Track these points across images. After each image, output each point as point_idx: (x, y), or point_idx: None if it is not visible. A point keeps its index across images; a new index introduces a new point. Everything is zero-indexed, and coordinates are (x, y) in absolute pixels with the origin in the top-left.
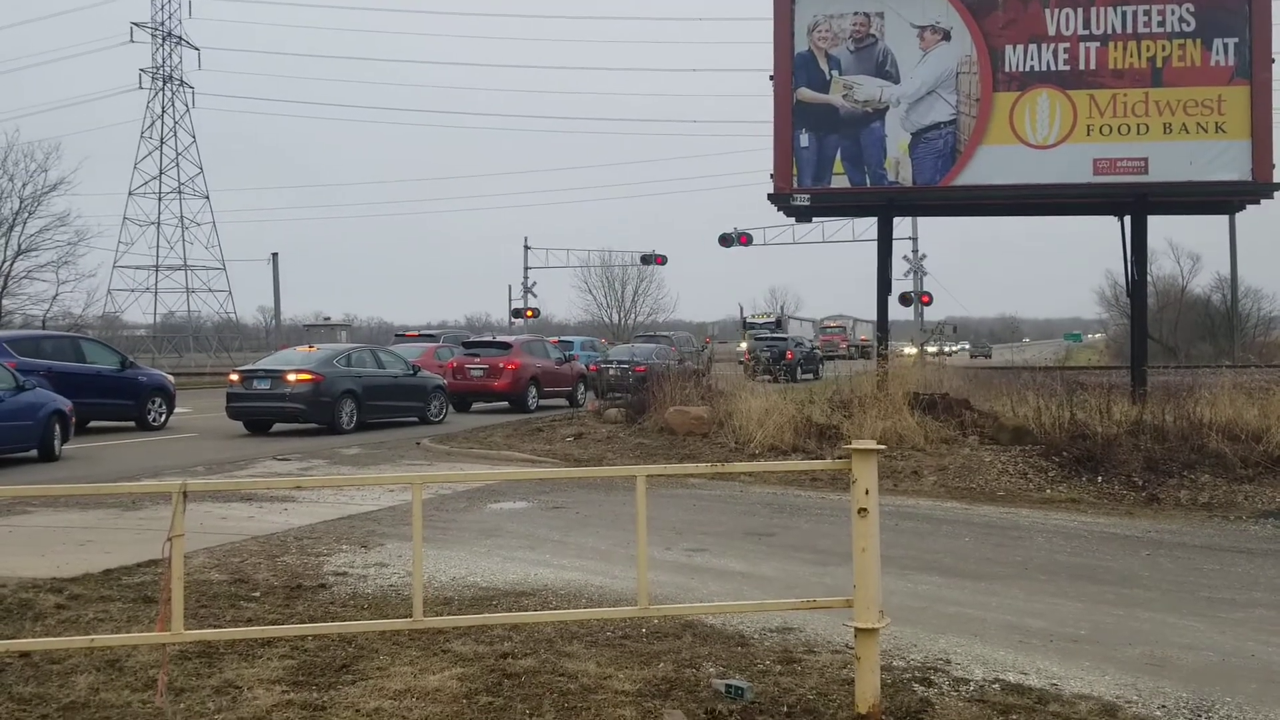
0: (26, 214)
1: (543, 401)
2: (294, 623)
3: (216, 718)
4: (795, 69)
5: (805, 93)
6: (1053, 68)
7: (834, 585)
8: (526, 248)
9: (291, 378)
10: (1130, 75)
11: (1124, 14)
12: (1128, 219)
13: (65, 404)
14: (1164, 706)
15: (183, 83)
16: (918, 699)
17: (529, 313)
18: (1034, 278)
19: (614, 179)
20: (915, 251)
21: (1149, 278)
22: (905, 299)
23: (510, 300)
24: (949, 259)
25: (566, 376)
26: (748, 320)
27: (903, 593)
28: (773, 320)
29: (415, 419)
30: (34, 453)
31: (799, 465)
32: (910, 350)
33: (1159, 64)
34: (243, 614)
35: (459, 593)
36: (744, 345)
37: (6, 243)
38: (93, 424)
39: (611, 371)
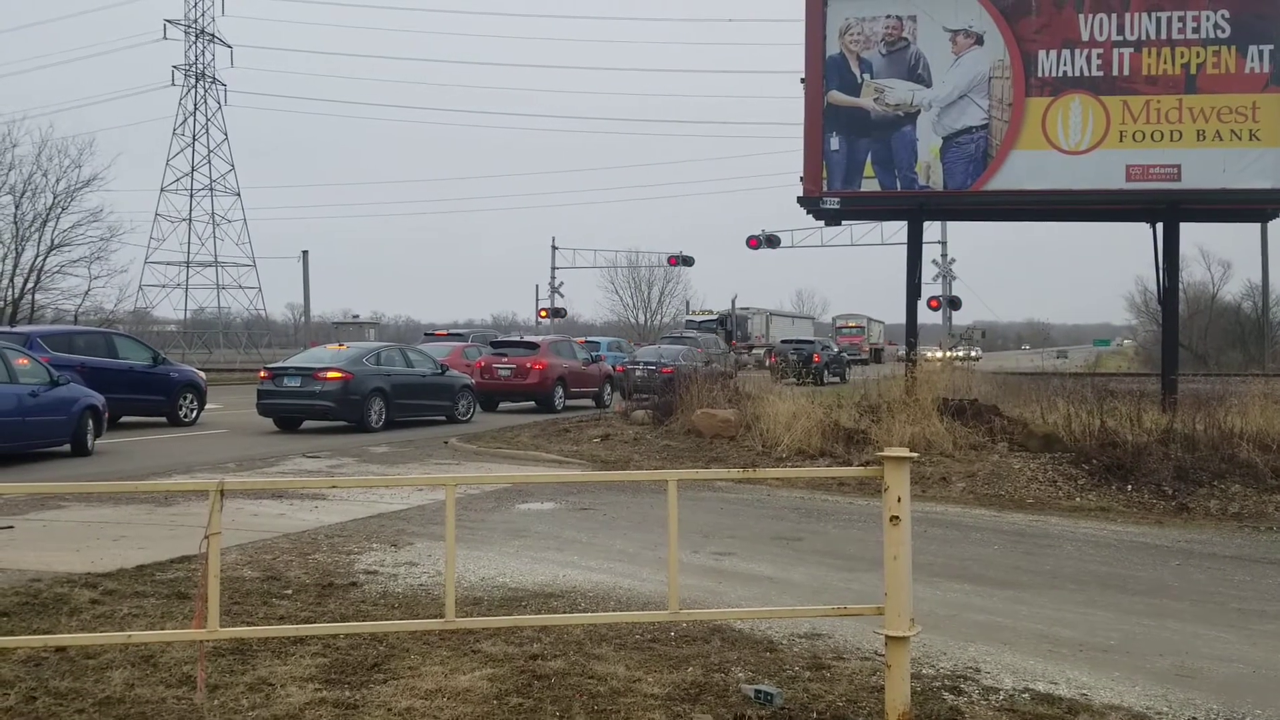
0: (60, 209)
1: (569, 402)
2: (326, 621)
3: (250, 715)
4: (827, 72)
5: (836, 96)
6: (1086, 73)
7: (863, 591)
8: (554, 248)
9: (321, 375)
10: (1164, 82)
11: (1158, 20)
12: (1159, 226)
13: (98, 399)
14: (1194, 718)
15: (215, 80)
16: (947, 707)
17: (543, 313)
18: (1063, 283)
19: (642, 180)
20: (944, 256)
21: (1179, 284)
22: (934, 303)
23: (537, 300)
24: (978, 263)
25: (593, 377)
26: (689, 320)
27: (931, 600)
28: (715, 318)
29: (443, 418)
30: (67, 447)
31: (830, 472)
32: (937, 354)
33: (1193, 70)
34: (275, 611)
35: (488, 593)
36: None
37: (40, 238)
38: (124, 419)
39: (638, 373)
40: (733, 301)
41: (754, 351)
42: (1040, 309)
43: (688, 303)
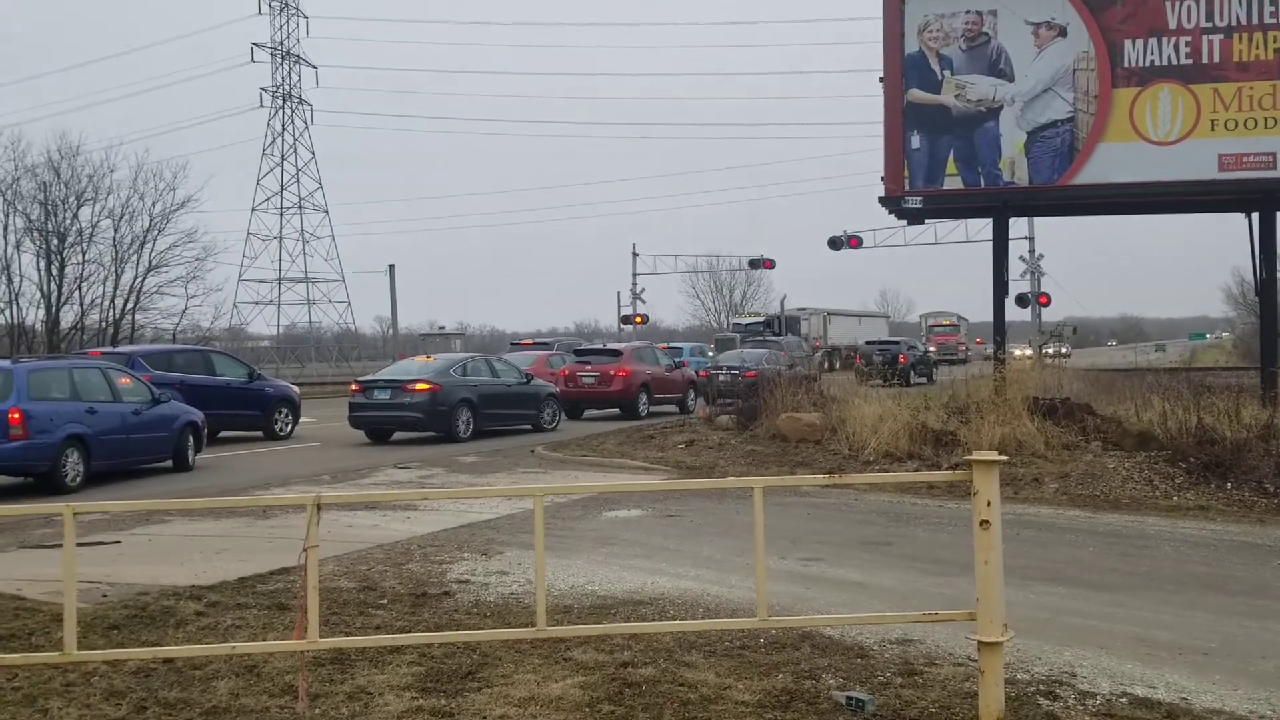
0: (156, 231)
1: (653, 408)
2: (421, 630)
3: None
4: (906, 70)
5: (916, 94)
6: (1174, 62)
7: (954, 597)
8: (634, 254)
9: (410, 387)
10: (1256, 68)
11: (1248, 4)
12: (1255, 216)
13: (198, 415)
14: None
15: (301, 100)
16: (1043, 713)
17: (638, 319)
18: (1157, 276)
19: (722, 184)
20: (1032, 252)
21: (1278, 275)
22: (1022, 300)
23: (619, 306)
24: (1066, 258)
25: (676, 383)
26: (735, 323)
27: (1025, 604)
28: (761, 320)
29: (529, 426)
30: (169, 463)
31: (917, 477)
32: (1026, 352)
33: None
34: (371, 621)
35: (577, 601)
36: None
37: (138, 259)
38: (223, 434)
39: (721, 377)
40: (781, 302)
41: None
42: (1133, 303)
43: (736, 308)
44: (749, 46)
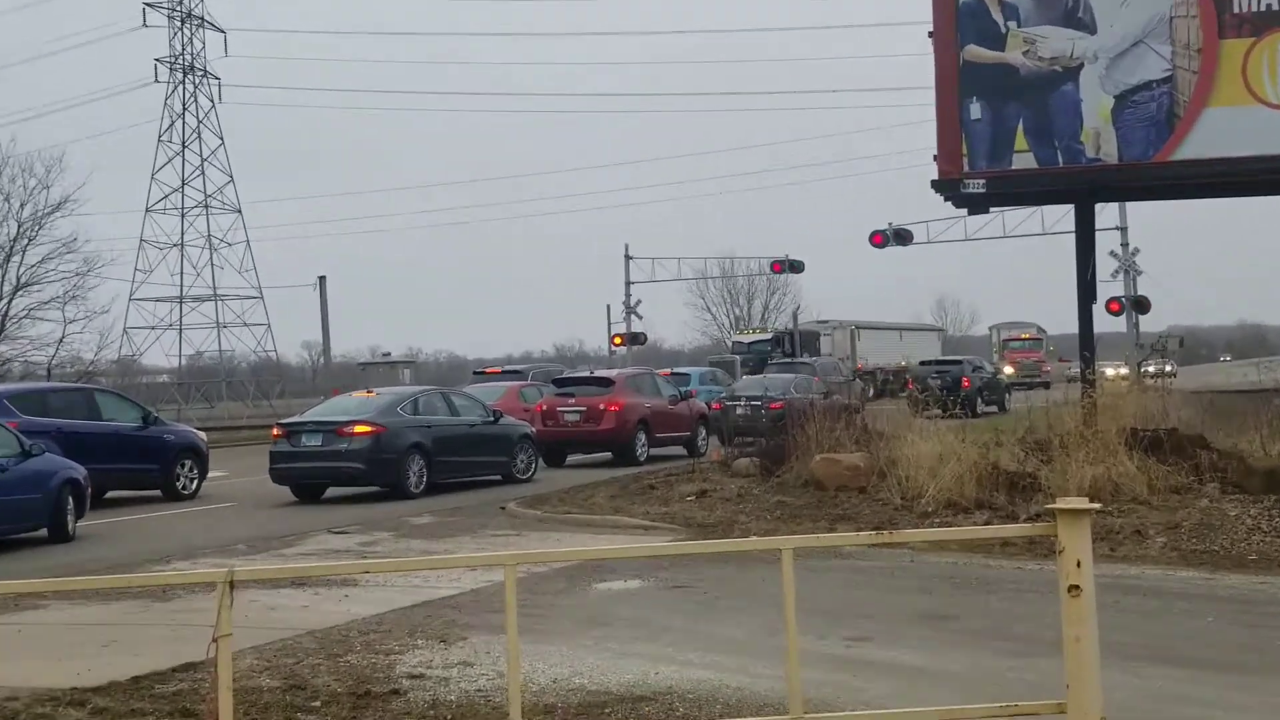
0: (26, 241)
1: (654, 451)
2: None
3: None
4: (960, 22)
5: (974, 50)
6: None
7: (1038, 682)
8: (627, 257)
9: (347, 431)
10: None
11: None
12: None
13: (79, 471)
14: None
15: (206, 73)
16: None
17: (617, 339)
18: None
19: (734, 168)
20: (1125, 245)
21: None
22: (1114, 306)
23: (609, 324)
24: (1169, 253)
25: (683, 418)
26: (735, 342)
27: (1128, 689)
28: (769, 338)
29: (498, 476)
30: (44, 532)
31: (988, 532)
32: (1121, 371)
33: None
34: None
35: (562, 698)
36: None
37: (4, 275)
38: (111, 494)
39: (739, 410)
40: (795, 314)
41: None
42: (1255, 308)
43: (735, 323)
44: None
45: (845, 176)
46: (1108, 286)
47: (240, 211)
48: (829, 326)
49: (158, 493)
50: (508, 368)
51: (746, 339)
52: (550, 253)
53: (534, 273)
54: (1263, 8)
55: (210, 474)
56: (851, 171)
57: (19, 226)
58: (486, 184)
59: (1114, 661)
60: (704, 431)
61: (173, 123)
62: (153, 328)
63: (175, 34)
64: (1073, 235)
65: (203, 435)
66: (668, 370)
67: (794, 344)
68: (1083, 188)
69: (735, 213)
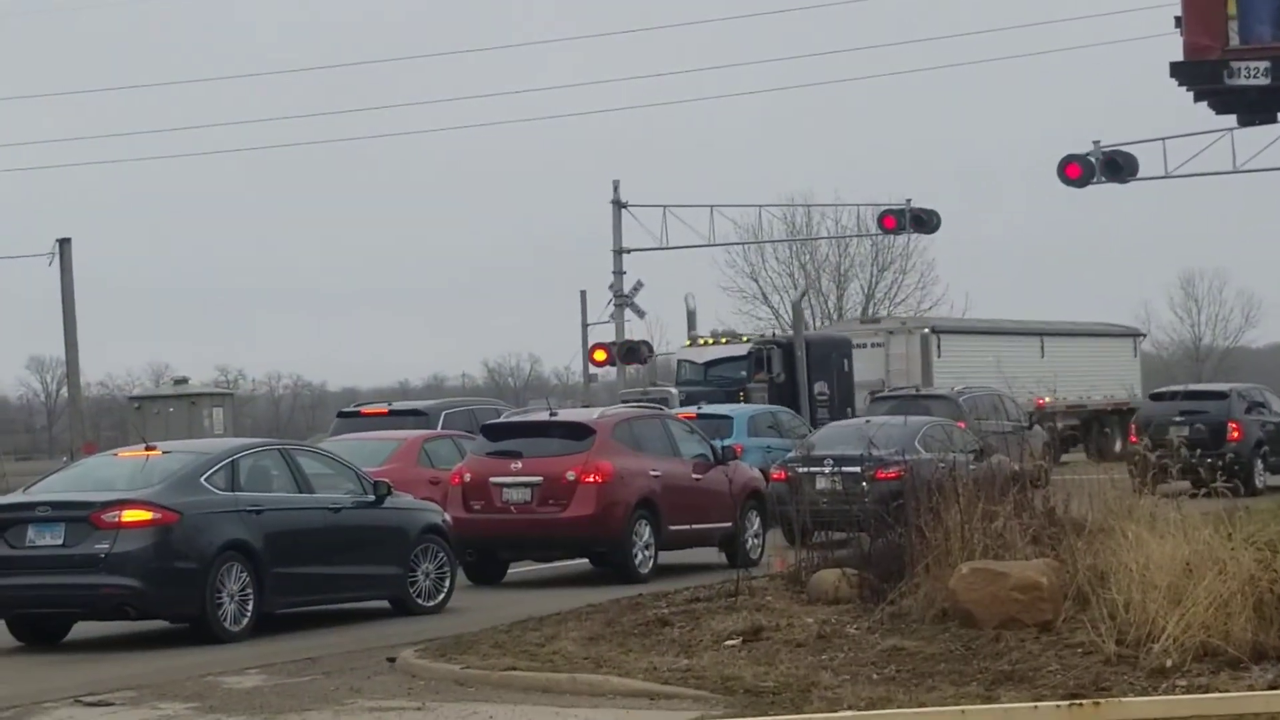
0: None
1: (666, 555)
2: None
3: None
4: None
5: None
6: None
7: None
8: (618, 205)
9: (109, 520)
10: None
11: None
12: None
13: None
14: None
15: None
16: None
17: (599, 353)
18: None
19: (795, 47)
20: None
21: None
22: None
23: (585, 326)
24: None
25: (717, 497)
26: (682, 360)
27: None
28: (742, 355)
29: (384, 598)
30: None
31: (1270, 706)
32: None
33: None
34: None
35: None
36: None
37: None
38: None
39: (820, 483)
40: (795, 305)
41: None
42: None
43: (690, 313)
44: None
45: (1017, 58)
46: None
47: None
48: (878, 329)
49: None
50: (399, 404)
51: (701, 356)
52: (474, 205)
53: (448, 241)
54: None
55: None
56: (1026, 48)
57: None
58: (354, 74)
59: None
60: (757, 521)
61: None
62: None
63: None
64: None
65: None
66: (691, 410)
67: (782, 362)
68: None
69: (812, 130)
